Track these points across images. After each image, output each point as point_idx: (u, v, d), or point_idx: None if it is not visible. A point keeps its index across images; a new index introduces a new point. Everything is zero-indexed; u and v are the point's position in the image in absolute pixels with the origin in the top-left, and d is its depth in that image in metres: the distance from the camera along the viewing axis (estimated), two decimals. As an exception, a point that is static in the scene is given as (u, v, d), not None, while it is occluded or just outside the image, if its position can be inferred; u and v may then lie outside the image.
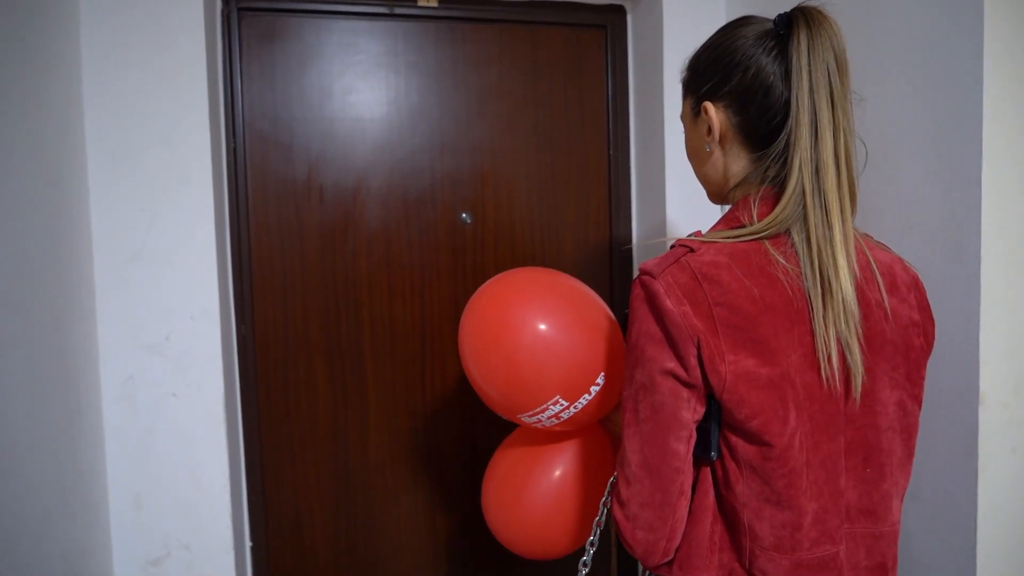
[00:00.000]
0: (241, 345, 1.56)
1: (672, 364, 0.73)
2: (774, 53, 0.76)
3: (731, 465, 0.75)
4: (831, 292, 0.72)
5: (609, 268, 1.79)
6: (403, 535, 1.70)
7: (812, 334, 0.73)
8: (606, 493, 1.02)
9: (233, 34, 1.52)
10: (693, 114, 0.85)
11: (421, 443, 1.70)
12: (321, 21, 1.58)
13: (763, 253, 0.74)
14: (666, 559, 0.79)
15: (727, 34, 0.81)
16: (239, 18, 1.53)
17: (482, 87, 1.67)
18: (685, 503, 0.77)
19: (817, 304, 0.72)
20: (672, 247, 0.78)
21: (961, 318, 0.97)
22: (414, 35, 1.62)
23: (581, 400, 1.03)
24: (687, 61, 0.87)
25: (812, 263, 0.73)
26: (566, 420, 1.06)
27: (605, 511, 1.03)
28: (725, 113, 0.80)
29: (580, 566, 1.04)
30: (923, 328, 0.81)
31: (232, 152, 1.53)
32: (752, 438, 0.73)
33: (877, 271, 0.78)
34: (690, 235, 0.79)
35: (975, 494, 0.96)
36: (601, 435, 1.19)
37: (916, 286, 0.82)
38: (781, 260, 0.73)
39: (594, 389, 1.03)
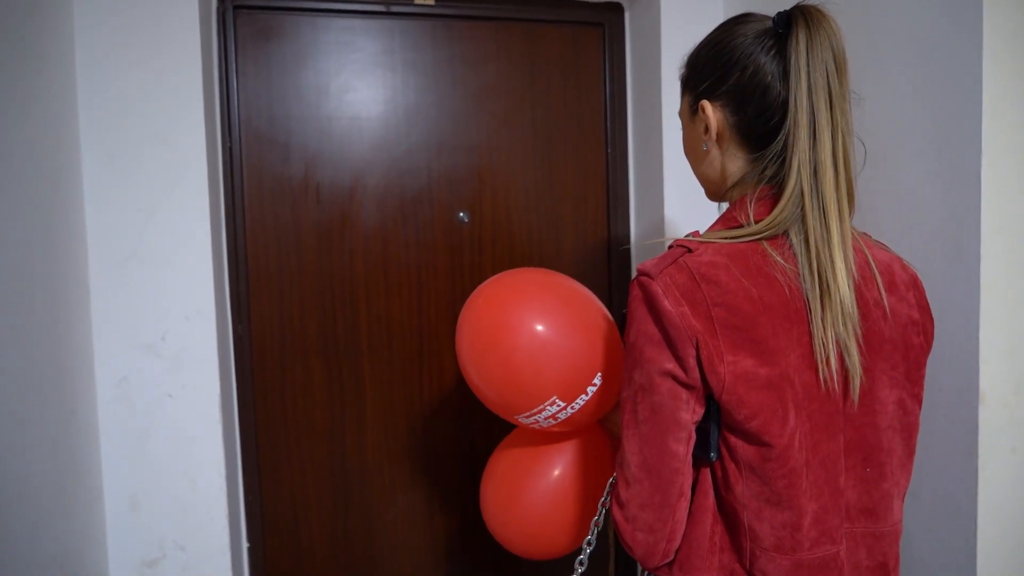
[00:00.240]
0: (237, 345, 1.55)
1: (671, 365, 0.72)
2: (772, 52, 0.75)
3: (731, 466, 0.75)
4: (829, 294, 0.71)
5: (607, 268, 1.78)
6: (401, 535, 1.70)
7: (810, 334, 0.72)
8: (605, 494, 1.02)
9: (229, 32, 1.51)
10: (691, 112, 0.85)
11: (419, 443, 1.69)
12: (317, 19, 1.57)
13: (761, 253, 0.74)
14: (666, 560, 0.79)
15: (726, 31, 0.80)
16: (235, 16, 1.52)
17: (479, 85, 1.66)
18: (685, 504, 0.77)
19: (815, 306, 0.72)
20: (670, 247, 0.77)
21: (961, 317, 0.97)
22: (411, 33, 1.62)
23: (578, 401, 1.03)
24: (686, 57, 0.86)
25: (810, 264, 0.72)
26: (563, 421, 1.05)
27: (603, 512, 1.03)
28: (722, 112, 0.80)
29: (576, 565, 1.04)
30: (922, 327, 0.80)
31: (228, 151, 1.52)
32: (751, 439, 0.73)
33: (876, 270, 0.77)
34: (688, 235, 0.79)
35: (975, 494, 0.96)
36: (600, 435, 1.19)
37: (915, 285, 0.82)
38: (779, 260, 0.73)
39: (591, 390, 1.03)
